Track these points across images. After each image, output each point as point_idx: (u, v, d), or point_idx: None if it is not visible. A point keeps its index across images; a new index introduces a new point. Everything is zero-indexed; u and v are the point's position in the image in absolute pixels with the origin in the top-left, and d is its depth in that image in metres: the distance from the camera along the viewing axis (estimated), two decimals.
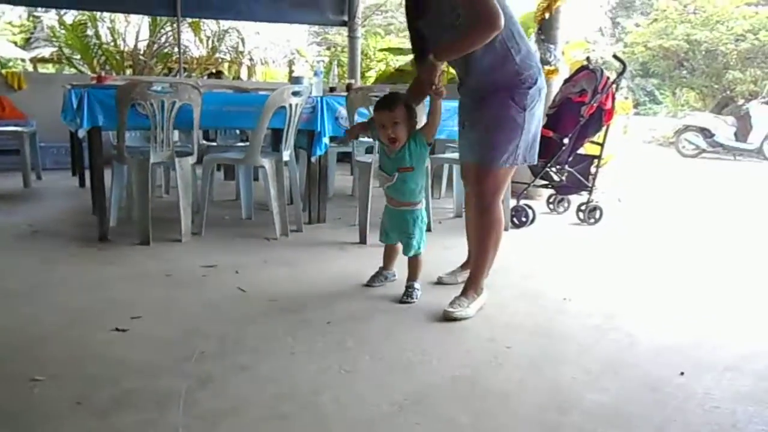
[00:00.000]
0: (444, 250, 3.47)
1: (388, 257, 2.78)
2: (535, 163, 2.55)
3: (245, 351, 2.05)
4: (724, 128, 11.13)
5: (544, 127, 4.15)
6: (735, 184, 7.65)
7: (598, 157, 4.43)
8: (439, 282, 2.82)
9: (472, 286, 2.52)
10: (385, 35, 12.73)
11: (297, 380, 1.85)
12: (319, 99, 3.76)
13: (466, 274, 2.80)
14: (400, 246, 2.68)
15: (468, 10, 2.21)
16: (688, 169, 9.37)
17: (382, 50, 11.46)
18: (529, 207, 4.17)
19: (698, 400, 1.81)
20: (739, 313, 2.59)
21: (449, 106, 4.05)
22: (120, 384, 1.80)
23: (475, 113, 2.46)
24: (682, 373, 1.98)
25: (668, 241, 3.97)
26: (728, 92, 12.85)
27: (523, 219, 4.16)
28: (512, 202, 4.18)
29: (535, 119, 2.40)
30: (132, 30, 10.36)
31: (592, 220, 4.35)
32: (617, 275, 3.11)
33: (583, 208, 4.39)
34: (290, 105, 3.50)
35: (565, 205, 4.74)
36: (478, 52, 2.28)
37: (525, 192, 4.31)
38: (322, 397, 1.76)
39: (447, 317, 2.39)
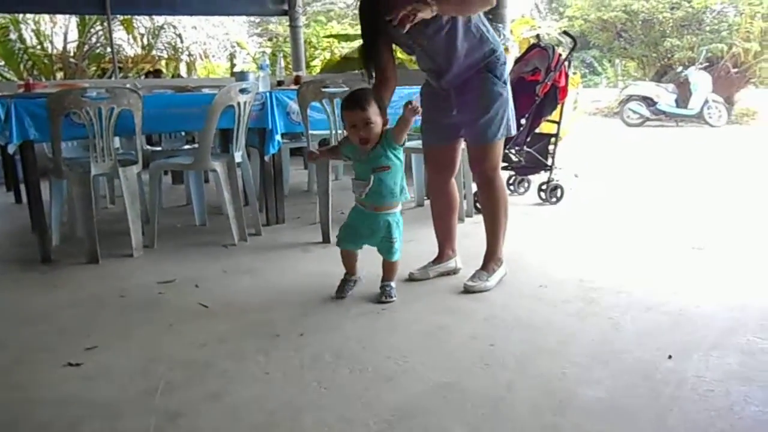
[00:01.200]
0: (408, 242, 3.34)
1: (352, 262, 2.58)
2: (514, 132, 2.67)
3: (215, 376, 1.90)
4: (665, 96, 11.39)
5: None
6: (681, 150, 7.83)
7: (555, 135, 4.40)
8: (411, 278, 2.72)
9: (491, 259, 2.63)
10: (327, 22, 12.48)
11: (275, 405, 1.72)
12: (268, 95, 3.57)
13: (438, 269, 2.78)
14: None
15: None
16: (634, 138, 9.55)
17: (327, 37, 11.22)
18: None
19: (691, 384, 1.77)
20: (710, 285, 2.59)
21: (402, 93, 3.95)
22: (78, 429, 1.63)
23: (463, 97, 2.51)
24: (669, 357, 1.94)
25: (631, 215, 3.98)
26: (666, 60, 13.16)
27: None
28: (474, 187, 4.11)
29: (509, 89, 2.56)
30: (59, 31, 9.80)
31: (554, 199, 4.33)
32: (587, 256, 3.08)
33: (544, 187, 4.36)
34: (238, 103, 3.31)
35: (525, 185, 4.71)
36: (459, 39, 2.40)
37: None
38: (304, 421, 1.64)
39: (467, 290, 2.52)
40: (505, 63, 2.55)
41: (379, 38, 2.50)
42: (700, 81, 11.14)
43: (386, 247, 2.49)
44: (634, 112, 11.58)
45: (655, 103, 11.38)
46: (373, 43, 2.51)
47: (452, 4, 2.30)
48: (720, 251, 3.10)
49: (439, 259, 2.81)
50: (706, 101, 11.03)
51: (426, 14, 2.18)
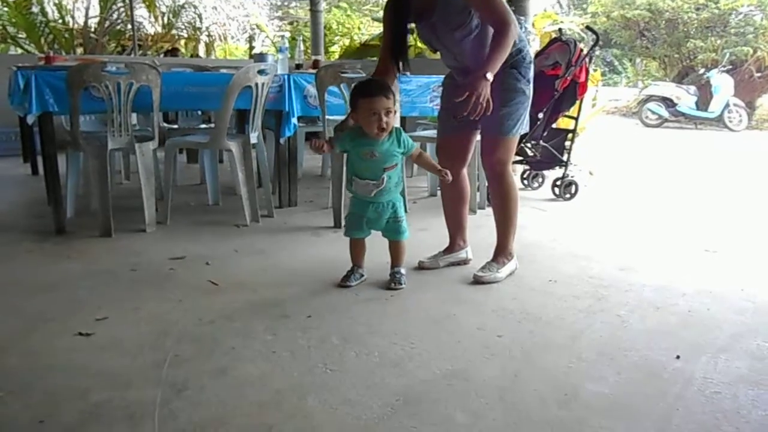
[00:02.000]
0: (420, 231, 3.37)
1: (360, 253, 2.55)
2: (527, 131, 2.64)
3: (222, 352, 1.92)
4: (685, 97, 11.26)
5: None
6: (699, 153, 7.74)
7: (573, 131, 4.37)
8: (421, 267, 2.72)
9: (501, 252, 2.64)
10: (348, 8, 12.41)
11: (281, 384, 1.73)
12: (286, 77, 3.58)
13: (449, 259, 2.78)
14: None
15: (489, 16, 2.33)
16: (652, 138, 9.46)
17: (344, 30, 11.16)
18: None
19: (698, 385, 1.76)
20: (721, 288, 2.56)
21: (421, 82, 3.93)
22: (87, 397, 1.65)
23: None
24: (677, 357, 1.93)
25: (645, 215, 3.95)
26: (688, 61, 12.98)
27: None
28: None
29: (531, 88, 2.56)
30: (81, 6, 9.84)
31: (568, 195, 4.30)
32: (600, 252, 3.06)
33: (558, 183, 4.33)
34: (256, 84, 3.31)
35: (540, 180, 4.69)
36: (488, 42, 2.35)
37: None
38: (308, 401, 1.65)
39: (476, 281, 2.54)
40: (531, 62, 2.54)
41: (405, 34, 2.52)
42: (722, 84, 10.99)
43: (394, 228, 2.48)
44: (653, 112, 11.45)
45: (674, 105, 11.25)
46: (402, 37, 2.51)
47: (497, 60, 2.27)
48: (733, 255, 3.07)
49: (450, 249, 2.81)
50: (727, 105, 10.88)
51: (487, 89, 2.22)
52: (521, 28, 2.54)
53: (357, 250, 2.54)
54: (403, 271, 2.53)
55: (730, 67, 11.50)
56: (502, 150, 2.55)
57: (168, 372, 1.78)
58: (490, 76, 2.24)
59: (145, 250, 2.95)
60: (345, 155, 2.85)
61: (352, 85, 2.49)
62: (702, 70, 12.02)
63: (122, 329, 2.07)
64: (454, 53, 2.51)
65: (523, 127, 2.56)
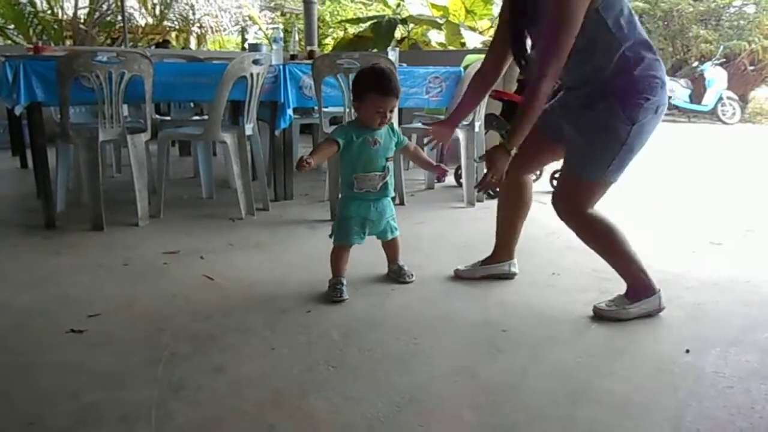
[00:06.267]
0: (418, 225, 3.32)
1: (346, 261, 2.34)
2: (616, 181, 2.09)
3: (220, 349, 1.86)
4: (679, 90, 11.24)
5: (516, 92, 4.02)
6: (694, 146, 7.72)
7: None
8: (457, 276, 2.49)
9: (632, 288, 2.17)
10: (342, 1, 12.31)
11: (281, 382, 1.67)
12: (281, 67, 3.50)
13: (488, 270, 2.49)
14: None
15: (548, 26, 1.91)
16: None
17: (339, 22, 11.08)
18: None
19: (710, 380, 1.72)
20: (727, 281, 2.52)
21: (417, 74, 3.87)
22: (80, 397, 1.58)
23: (573, 111, 2.09)
24: (687, 351, 1.88)
25: (645, 207, 3.91)
26: (683, 54, 12.96)
27: (498, 189, 4.01)
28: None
29: (642, 138, 2.02)
30: None
31: None
32: None
33: (556, 175, 4.28)
34: (251, 74, 3.24)
35: (537, 173, 4.63)
36: (587, 53, 1.94)
37: None
38: (310, 399, 1.59)
39: (596, 314, 2.14)
40: (648, 101, 1.95)
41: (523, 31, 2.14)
42: (716, 77, 10.98)
43: (391, 226, 2.41)
44: None
45: (669, 98, 11.23)
46: (519, 32, 2.14)
47: (527, 123, 1.97)
48: (737, 247, 3.03)
49: (492, 259, 2.50)
50: (721, 98, 10.88)
51: (504, 163, 2.02)
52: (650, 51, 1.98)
53: (344, 258, 2.33)
54: (405, 264, 2.47)
55: (724, 60, 11.48)
56: (573, 193, 2.10)
57: (164, 370, 1.72)
58: (513, 150, 1.99)
59: (138, 245, 2.87)
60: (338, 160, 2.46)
61: (362, 71, 2.28)
62: (695, 63, 12.00)
63: (115, 326, 2.00)
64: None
65: (609, 174, 2.03)
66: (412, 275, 2.43)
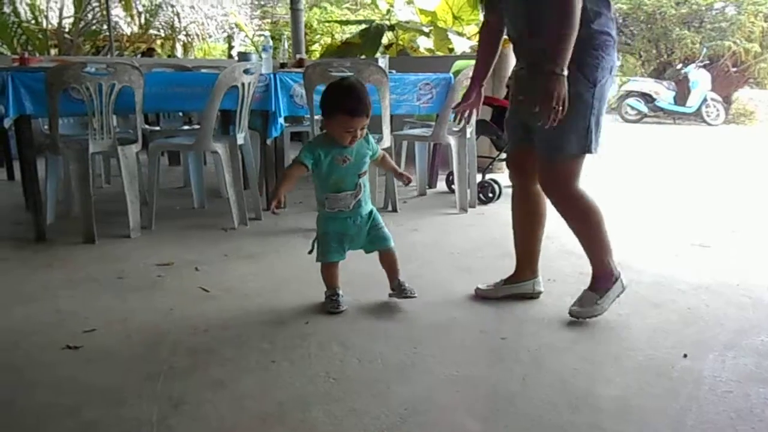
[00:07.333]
0: (411, 232, 3.32)
1: (337, 274, 2.28)
2: (597, 152, 2.06)
3: (219, 363, 1.84)
4: (664, 93, 11.39)
5: (505, 98, 4.04)
6: (679, 148, 7.81)
7: None
8: (477, 295, 2.38)
9: (598, 278, 2.17)
10: (328, 6, 12.30)
11: (282, 395, 1.66)
12: (272, 76, 3.50)
13: (511, 289, 2.37)
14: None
15: None
16: (633, 134, 9.53)
17: (327, 22, 11.08)
18: (495, 182, 4.06)
19: (708, 384, 1.73)
20: (718, 283, 2.55)
21: (408, 80, 3.88)
22: (78, 415, 1.56)
23: (531, 87, 1.96)
24: (684, 356, 1.90)
25: (633, 210, 3.94)
26: (667, 57, 13.12)
27: (490, 194, 4.04)
28: (478, 178, 4.06)
29: (604, 101, 2.01)
30: (55, 6, 9.60)
31: None
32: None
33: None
34: (242, 84, 3.23)
35: None
36: (545, 4, 1.87)
37: (490, 167, 4.21)
38: (312, 413, 1.58)
39: (574, 316, 2.13)
40: (604, 59, 1.95)
41: None
42: (700, 79, 11.14)
43: (379, 236, 2.27)
44: (632, 108, 11.57)
45: (653, 100, 11.37)
46: None
47: (564, 46, 1.84)
48: (725, 249, 3.07)
49: (514, 278, 2.37)
50: (705, 99, 11.03)
51: (563, 88, 1.86)
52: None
53: (334, 272, 2.27)
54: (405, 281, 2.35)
55: (707, 62, 11.64)
56: (554, 174, 2.07)
57: (163, 386, 1.70)
58: (561, 71, 1.84)
59: (131, 257, 2.85)
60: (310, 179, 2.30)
61: (331, 87, 2.18)
62: (679, 66, 12.16)
63: (112, 341, 1.98)
64: (516, 16, 2.06)
65: (589, 144, 2.01)
66: (413, 291, 2.29)
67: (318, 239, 2.27)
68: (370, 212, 2.28)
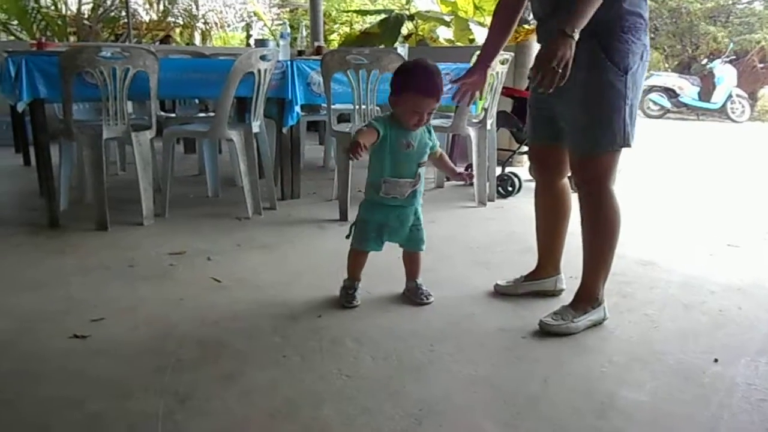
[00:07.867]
0: (429, 224, 3.20)
1: (363, 265, 2.23)
2: (633, 144, 1.93)
3: (229, 356, 1.78)
4: (688, 88, 11.14)
5: (527, 89, 3.93)
6: (704, 144, 7.63)
7: None
8: (496, 291, 2.31)
9: (584, 296, 2.05)
10: None
11: (293, 391, 1.60)
12: (288, 63, 3.43)
13: (531, 286, 2.30)
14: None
15: None
16: (656, 130, 9.33)
17: (347, 11, 10.98)
18: (515, 175, 3.97)
19: (741, 392, 1.64)
20: (750, 285, 2.44)
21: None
22: (83, 407, 1.51)
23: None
24: (716, 360, 1.81)
25: (659, 208, 3.83)
26: (692, 51, 12.86)
27: (509, 188, 3.95)
28: (497, 171, 3.97)
29: (638, 89, 1.87)
30: None
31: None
32: (618, 246, 2.93)
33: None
34: (258, 71, 3.16)
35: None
36: None
37: (510, 160, 4.11)
38: (324, 411, 1.52)
39: (543, 330, 1.97)
40: (637, 41, 1.82)
41: None
42: (725, 74, 10.87)
43: (417, 237, 2.20)
44: (656, 103, 11.33)
45: (677, 95, 11.13)
46: None
47: (583, 11, 1.70)
48: (756, 250, 2.95)
49: (536, 274, 2.30)
50: (730, 96, 10.77)
51: (569, 52, 1.69)
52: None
53: (361, 262, 2.22)
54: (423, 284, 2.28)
55: (734, 57, 11.37)
56: (590, 168, 1.95)
57: (171, 379, 1.65)
58: (571, 31, 1.68)
59: (143, 245, 2.81)
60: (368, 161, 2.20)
61: (405, 65, 2.14)
62: (705, 61, 11.89)
63: (120, 331, 1.93)
64: None
65: (625, 137, 1.88)
66: (429, 296, 2.22)
67: (356, 224, 2.19)
68: (416, 210, 2.19)
